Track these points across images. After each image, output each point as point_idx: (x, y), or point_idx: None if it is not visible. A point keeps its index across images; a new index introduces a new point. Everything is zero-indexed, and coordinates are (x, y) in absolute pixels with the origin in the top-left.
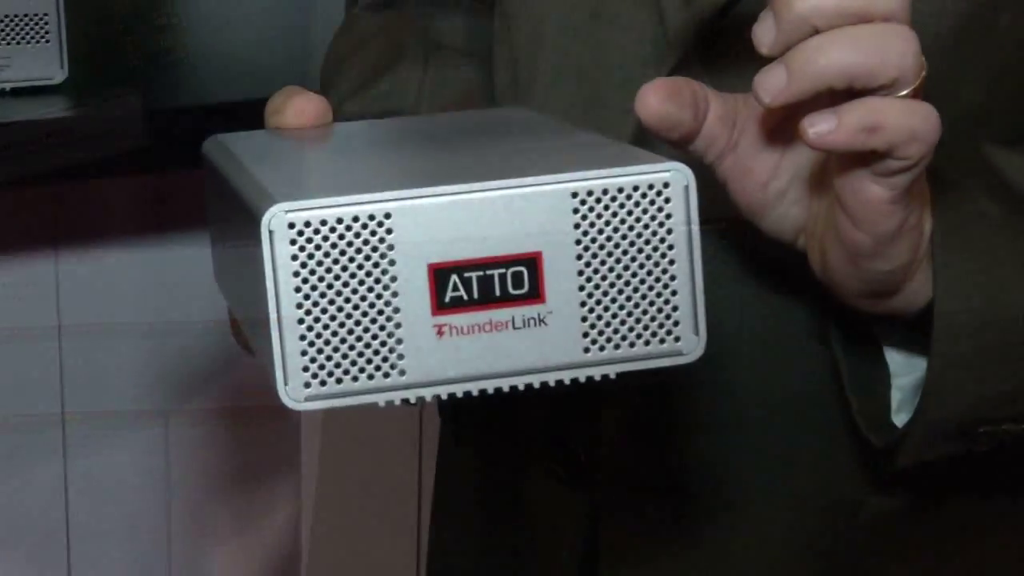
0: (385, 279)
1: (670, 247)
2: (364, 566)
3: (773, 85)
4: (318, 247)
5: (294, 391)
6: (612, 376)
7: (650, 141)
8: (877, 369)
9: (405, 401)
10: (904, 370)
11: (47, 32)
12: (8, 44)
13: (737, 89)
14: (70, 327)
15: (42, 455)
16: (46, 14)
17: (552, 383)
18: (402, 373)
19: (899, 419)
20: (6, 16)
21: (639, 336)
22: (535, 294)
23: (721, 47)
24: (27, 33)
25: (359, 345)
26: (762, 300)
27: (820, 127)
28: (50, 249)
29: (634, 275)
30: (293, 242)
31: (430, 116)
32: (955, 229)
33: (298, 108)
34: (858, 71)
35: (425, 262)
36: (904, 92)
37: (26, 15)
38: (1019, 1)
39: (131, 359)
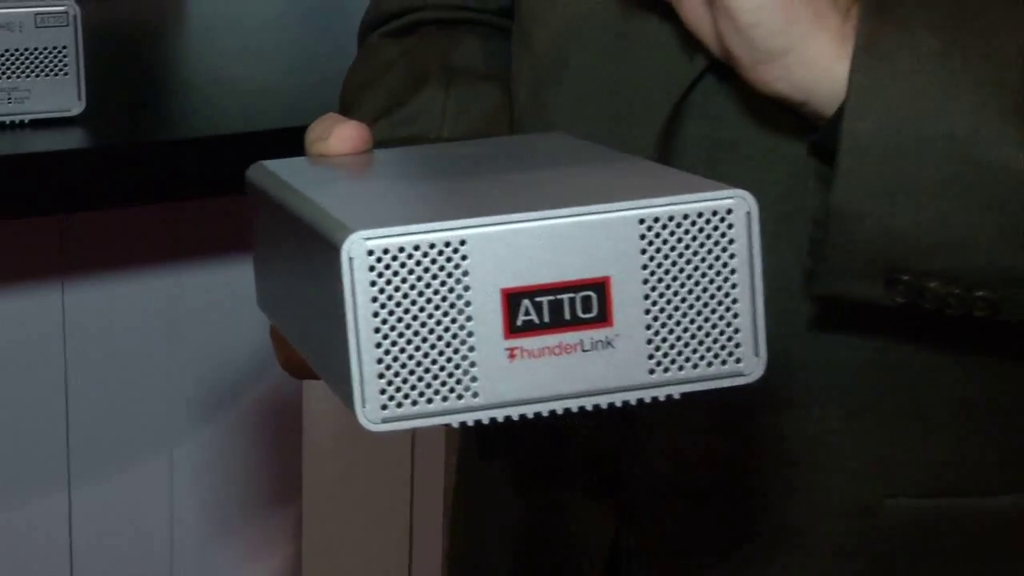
0: (459, 304)
1: (732, 271)
2: None
3: None
4: (395, 273)
5: (371, 413)
6: (676, 397)
7: (672, 158)
8: None
9: (477, 422)
10: None
11: (65, 65)
12: (27, 77)
13: (763, 103)
14: (75, 355)
15: (47, 483)
16: (64, 47)
17: (619, 404)
18: (475, 395)
19: None
20: (26, 49)
21: (702, 358)
22: (603, 317)
23: None
24: (46, 66)
25: (434, 368)
26: (788, 311)
27: None
28: (57, 278)
29: (698, 298)
30: (372, 269)
31: (470, 143)
32: (877, 50)
33: (342, 136)
34: None
35: (498, 287)
36: None
37: (45, 48)
38: None
39: (136, 388)
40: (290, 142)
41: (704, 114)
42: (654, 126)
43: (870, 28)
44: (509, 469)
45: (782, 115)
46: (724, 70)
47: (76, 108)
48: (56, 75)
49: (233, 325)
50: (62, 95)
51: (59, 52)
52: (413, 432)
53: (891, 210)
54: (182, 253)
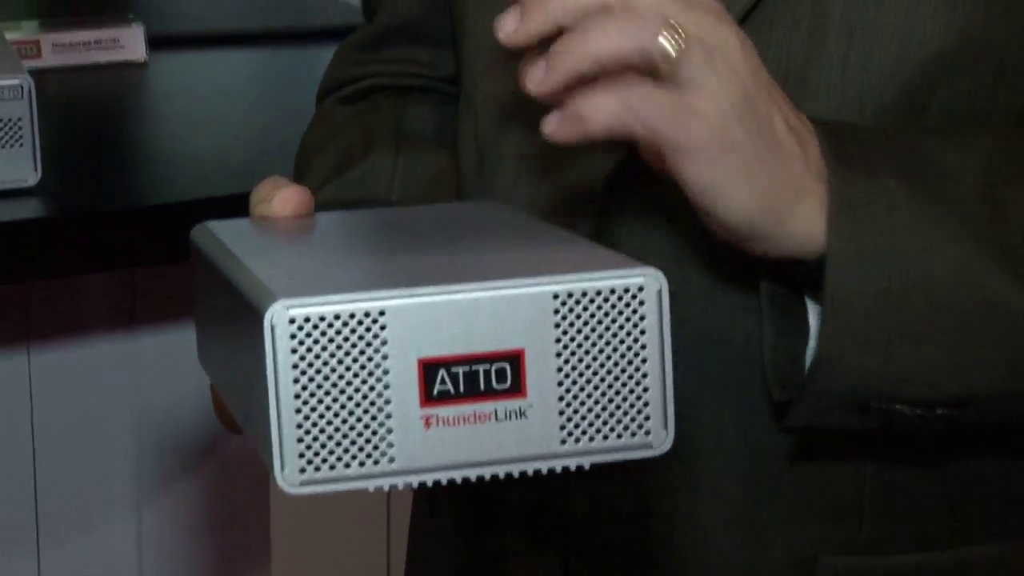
0: (378, 372)
1: (643, 347)
2: None
3: (536, 76)
4: (316, 341)
5: (290, 476)
6: (586, 467)
7: (611, 225)
8: (799, 326)
9: (393, 487)
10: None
11: (20, 136)
12: None
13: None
14: (43, 421)
15: (16, 549)
16: (20, 118)
17: (531, 472)
18: (391, 460)
19: None
20: None
21: (612, 429)
22: (517, 388)
23: None
24: (1, 138)
25: (352, 434)
26: (724, 363)
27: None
28: (23, 347)
29: (609, 372)
30: (293, 336)
31: (408, 209)
32: (852, 201)
33: (284, 199)
34: (603, 55)
35: (415, 357)
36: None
37: (0, 120)
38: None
39: (103, 453)
40: (245, 208)
41: (643, 181)
42: (594, 190)
43: (841, 181)
44: (453, 520)
45: None
46: None
47: (32, 179)
48: (11, 147)
49: (195, 387)
50: (18, 166)
51: (14, 124)
52: (388, 493)
53: (875, 354)
54: (144, 318)
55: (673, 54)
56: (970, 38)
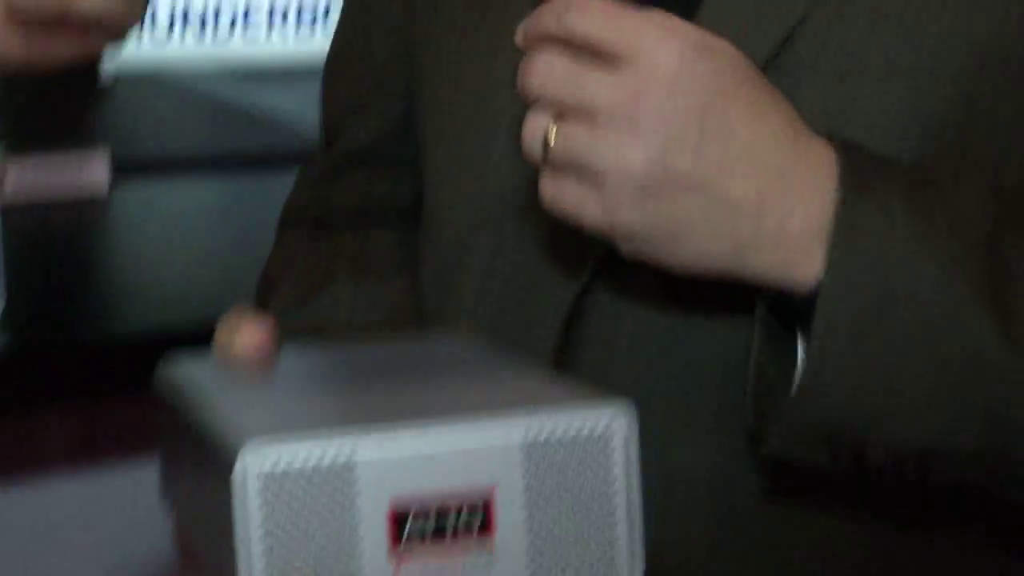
0: (347, 519)
1: (611, 487)
2: None
3: None
4: (285, 490)
5: None
6: None
7: (578, 342)
8: (786, 357)
9: None
10: None
11: None
12: None
13: (660, 287)
14: (1, 560)
15: None
16: None
17: None
18: None
19: None
20: None
21: (580, 573)
22: (486, 532)
23: None
24: None
25: None
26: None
27: None
28: None
29: (577, 514)
30: (261, 487)
31: (371, 343)
32: (856, 232)
33: (247, 336)
34: None
35: (385, 503)
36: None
37: None
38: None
39: None
40: (209, 339)
41: (607, 300)
42: (557, 313)
43: (849, 210)
44: None
45: (691, 304)
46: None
47: None
48: None
49: (158, 523)
50: None
51: None
52: None
53: (856, 388)
54: (106, 452)
55: (546, 146)
56: (939, 136)
